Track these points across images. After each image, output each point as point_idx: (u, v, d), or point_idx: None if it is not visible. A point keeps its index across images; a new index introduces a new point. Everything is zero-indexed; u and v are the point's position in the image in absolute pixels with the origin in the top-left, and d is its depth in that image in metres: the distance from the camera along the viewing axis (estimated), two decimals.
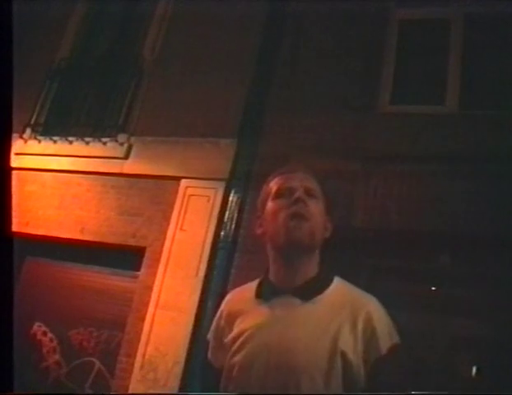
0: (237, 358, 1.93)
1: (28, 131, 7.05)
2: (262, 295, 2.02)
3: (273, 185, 2.07)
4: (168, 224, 5.88)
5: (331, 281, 2.01)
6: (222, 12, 6.54)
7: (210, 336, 2.14)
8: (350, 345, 1.85)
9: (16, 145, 6.79)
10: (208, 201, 5.81)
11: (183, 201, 5.91)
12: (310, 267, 2.00)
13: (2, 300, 1.81)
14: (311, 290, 1.96)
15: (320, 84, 5.96)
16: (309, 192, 2.01)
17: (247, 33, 6.52)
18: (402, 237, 5.01)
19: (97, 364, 5.92)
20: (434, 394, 4.04)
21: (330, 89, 5.89)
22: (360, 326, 1.88)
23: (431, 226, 5.03)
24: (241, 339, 1.95)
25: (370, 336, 1.87)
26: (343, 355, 1.83)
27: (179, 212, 5.88)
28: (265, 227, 2.04)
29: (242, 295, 2.12)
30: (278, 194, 2.03)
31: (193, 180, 5.98)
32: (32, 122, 7.10)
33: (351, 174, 5.32)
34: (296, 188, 2.00)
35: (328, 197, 2.09)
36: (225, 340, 2.01)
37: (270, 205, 2.04)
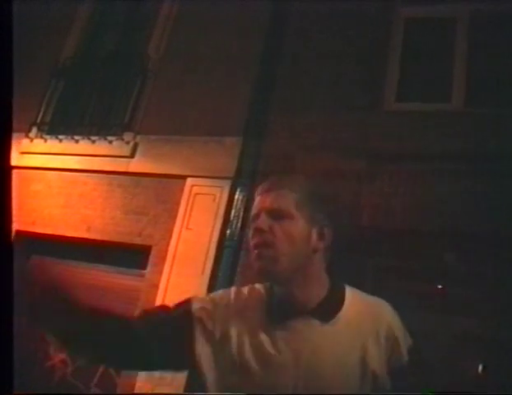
0: (257, 382, 1.86)
1: (34, 130, 7.06)
2: (276, 314, 1.93)
3: (253, 208, 2.02)
4: (174, 222, 5.89)
5: (344, 294, 1.98)
6: (226, 12, 6.56)
7: (205, 335, 1.98)
8: (377, 359, 1.86)
9: (22, 144, 6.82)
10: (214, 199, 5.81)
11: (188, 199, 5.92)
12: (311, 283, 1.94)
13: (2, 300, 1.81)
14: (329, 309, 1.92)
15: (325, 83, 5.96)
16: (276, 214, 1.92)
17: (250, 32, 6.52)
18: (407, 236, 5.00)
19: None
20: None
21: (335, 87, 5.89)
22: (382, 338, 1.89)
23: (437, 225, 5.02)
24: (264, 366, 1.87)
25: (393, 346, 1.90)
26: (373, 371, 1.84)
27: (185, 211, 5.88)
28: None
29: (251, 305, 2.01)
30: (252, 219, 1.99)
31: (198, 179, 5.98)
32: (38, 121, 7.12)
33: (356, 173, 5.31)
34: (259, 214, 1.95)
35: (312, 208, 1.97)
36: (232, 357, 1.91)
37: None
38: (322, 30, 6.28)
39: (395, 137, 5.39)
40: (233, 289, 2.13)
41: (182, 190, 5.99)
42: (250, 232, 1.97)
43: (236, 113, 6.13)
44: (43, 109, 7.18)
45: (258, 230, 1.91)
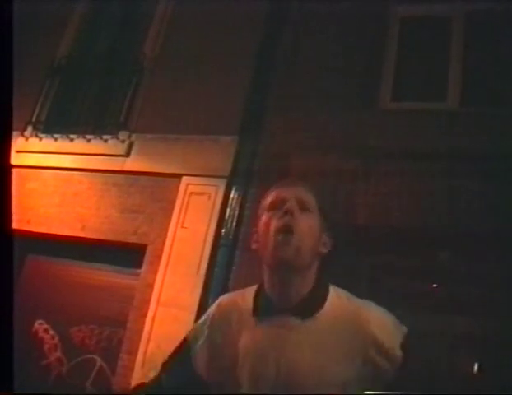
0: (240, 380, 1.89)
1: (29, 129, 7.04)
2: (260, 312, 1.97)
3: (269, 198, 2.04)
4: (169, 221, 5.88)
5: (327, 293, 1.98)
6: (223, 10, 6.54)
7: (200, 347, 2.08)
8: (358, 367, 1.87)
9: (17, 143, 6.80)
10: (209, 198, 5.80)
11: (184, 198, 5.91)
12: (305, 284, 1.96)
13: (2, 299, 1.80)
14: (310, 307, 1.93)
15: (321, 81, 5.96)
16: (302, 205, 1.96)
17: (247, 31, 6.51)
18: (403, 235, 5.01)
19: (98, 361, 5.92)
20: None
21: (331, 86, 5.89)
22: (371, 351, 1.88)
23: (432, 224, 5.03)
24: (243, 360, 1.91)
25: (385, 352, 1.89)
26: (352, 375, 1.85)
27: (180, 210, 5.88)
28: (259, 242, 2.01)
29: (237, 307, 2.05)
30: (271, 206, 2.00)
31: (194, 178, 5.98)
32: (33, 119, 7.10)
33: (351, 172, 5.31)
34: (288, 200, 1.96)
35: (326, 212, 2.05)
36: (223, 360, 1.97)
37: (263, 218, 2.01)
38: (318, 30, 6.28)
39: (391, 136, 5.39)
40: (218, 300, 2.18)
41: (177, 189, 5.98)
42: (271, 214, 1.99)
43: (232, 113, 6.13)
44: (38, 108, 7.16)
45: (289, 213, 1.93)
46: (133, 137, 6.51)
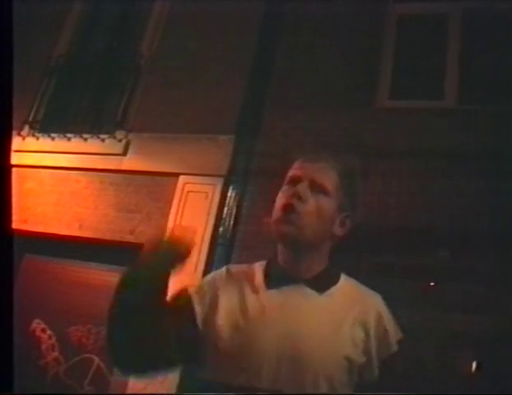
0: (247, 341, 1.86)
1: (26, 128, 7.02)
2: (272, 279, 1.97)
3: (291, 170, 2.04)
4: (166, 220, 5.86)
5: (339, 275, 2.02)
6: (220, 9, 6.54)
7: (205, 305, 2.05)
8: (362, 344, 1.87)
9: (14, 142, 6.78)
10: (206, 197, 5.80)
11: (181, 197, 5.91)
12: (316, 261, 1.98)
13: (2, 299, 1.80)
14: (324, 282, 1.96)
15: (318, 80, 5.96)
16: (315, 187, 1.95)
17: (245, 29, 6.51)
18: (401, 233, 5.01)
19: (96, 360, 5.91)
20: None
21: (328, 84, 5.89)
22: (372, 326, 1.89)
23: (430, 222, 5.02)
24: (253, 324, 1.88)
25: (382, 336, 1.90)
26: (356, 352, 1.85)
27: (178, 209, 5.87)
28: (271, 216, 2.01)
29: (246, 274, 2.05)
30: (289, 180, 2.00)
31: (191, 176, 5.97)
32: (30, 119, 7.07)
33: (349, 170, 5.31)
34: (302, 180, 1.96)
35: (348, 192, 2.03)
36: (228, 319, 1.93)
37: (280, 191, 2.01)
38: (315, 28, 6.28)
39: (388, 135, 5.40)
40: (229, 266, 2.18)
41: (174, 188, 5.98)
42: (284, 189, 1.99)
43: (229, 111, 6.13)
44: (35, 107, 7.14)
45: (296, 195, 1.92)
46: (130, 136, 6.50)
